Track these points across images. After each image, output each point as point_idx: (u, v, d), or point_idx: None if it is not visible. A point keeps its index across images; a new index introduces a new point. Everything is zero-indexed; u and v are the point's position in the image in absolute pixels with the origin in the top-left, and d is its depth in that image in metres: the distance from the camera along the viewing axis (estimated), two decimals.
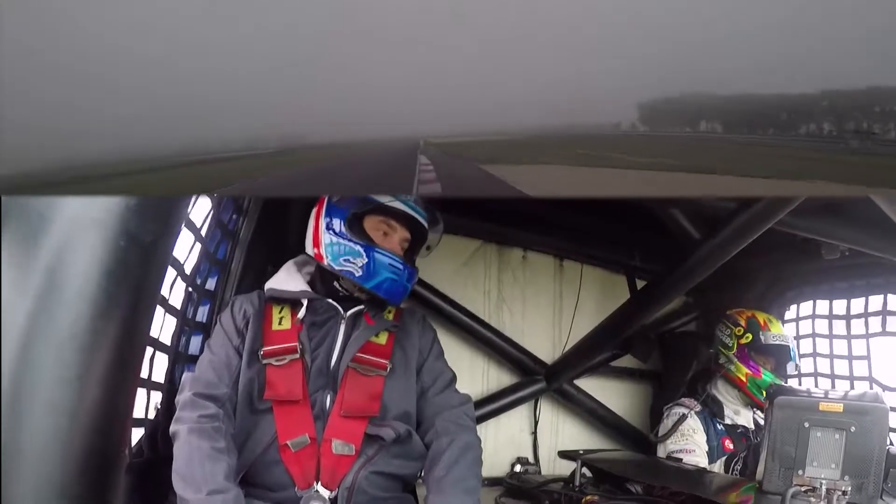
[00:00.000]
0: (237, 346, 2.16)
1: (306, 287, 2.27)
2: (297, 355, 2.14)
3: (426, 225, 2.30)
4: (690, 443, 3.13)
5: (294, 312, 2.23)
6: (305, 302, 2.22)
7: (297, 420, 2.08)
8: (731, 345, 3.29)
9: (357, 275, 2.18)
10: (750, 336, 3.26)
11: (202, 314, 2.54)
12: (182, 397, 2.03)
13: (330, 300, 2.25)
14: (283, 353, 2.14)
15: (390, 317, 2.32)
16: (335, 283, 2.26)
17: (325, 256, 2.21)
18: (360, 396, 2.13)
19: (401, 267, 2.20)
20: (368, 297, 2.26)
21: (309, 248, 2.26)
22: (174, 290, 2.24)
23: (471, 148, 19.22)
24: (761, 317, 3.34)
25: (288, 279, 2.30)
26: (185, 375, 2.11)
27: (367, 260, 2.17)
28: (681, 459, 3.06)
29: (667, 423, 3.23)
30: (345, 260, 2.18)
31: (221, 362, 2.13)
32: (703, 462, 3.08)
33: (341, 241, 2.19)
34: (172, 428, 1.98)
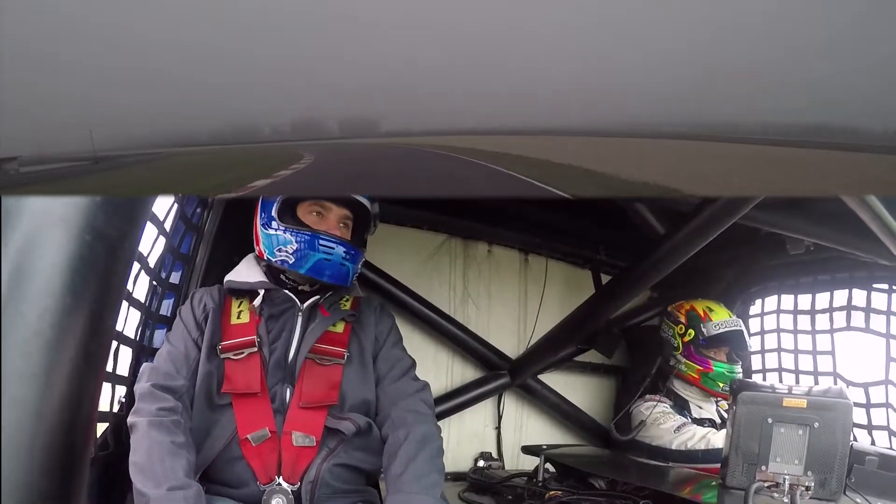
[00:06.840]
0: (196, 339, 2.16)
1: (264, 278, 2.25)
2: (255, 349, 2.14)
3: (362, 200, 2.27)
4: (698, 429, 3.14)
5: (253, 305, 2.21)
6: (262, 292, 2.21)
7: (257, 414, 2.08)
8: (676, 345, 3.30)
9: (290, 262, 2.17)
10: (692, 332, 3.28)
11: (166, 307, 2.53)
12: (140, 387, 2.02)
13: (287, 291, 2.24)
14: (241, 346, 2.14)
15: (347, 306, 2.31)
16: (282, 277, 2.25)
17: (264, 252, 2.21)
18: (319, 386, 2.13)
19: (333, 245, 2.16)
20: (319, 287, 2.25)
21: (256, 248, 2.26)
22: (138, 284, 2.23)
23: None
24: (700, 306, 3.34)
25: (246, 271, 2.29)
26: (144, 366, 2.11)
27: (296, 245, 2.16)
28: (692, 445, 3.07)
29: (653, 416, 3.21)
30: (278, 250, 2.18)
31: (180, 354, 2.13)
32: (712, 435, 3.08)
33: (272, 232, 2.19)
34: (131, 419, 1.97)
